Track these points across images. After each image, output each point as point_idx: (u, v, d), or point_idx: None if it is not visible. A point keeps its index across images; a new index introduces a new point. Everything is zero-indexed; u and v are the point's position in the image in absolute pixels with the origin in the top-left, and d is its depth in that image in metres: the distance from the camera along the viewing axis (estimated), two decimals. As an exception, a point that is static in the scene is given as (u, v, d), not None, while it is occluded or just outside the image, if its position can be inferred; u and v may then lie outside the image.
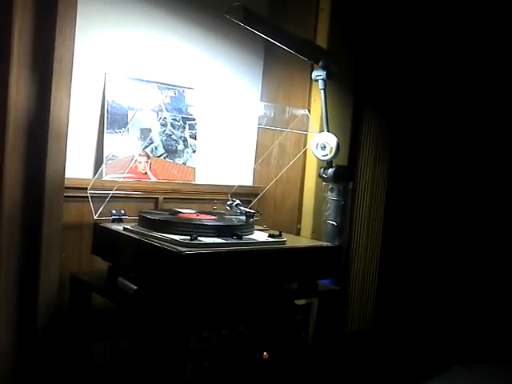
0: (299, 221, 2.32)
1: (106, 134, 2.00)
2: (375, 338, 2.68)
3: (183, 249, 1.44)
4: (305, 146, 2.25)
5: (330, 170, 2.06)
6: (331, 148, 2.02)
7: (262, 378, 1.68)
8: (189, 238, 1.51)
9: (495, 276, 3.61)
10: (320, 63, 1.99)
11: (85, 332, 1.81)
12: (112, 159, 1.99)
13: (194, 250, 1.44)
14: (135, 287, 1.54)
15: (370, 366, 2.67)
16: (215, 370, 1.53)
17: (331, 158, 2.03)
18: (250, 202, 2.35)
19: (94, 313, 1.85)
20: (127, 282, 1.58)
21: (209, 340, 1.51)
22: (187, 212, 1.87)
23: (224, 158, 2.40)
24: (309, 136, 2.19)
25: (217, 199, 2.27)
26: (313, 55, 2.02)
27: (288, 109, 2.09)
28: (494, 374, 3.25)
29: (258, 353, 1.63)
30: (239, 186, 2.34)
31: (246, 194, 2.37)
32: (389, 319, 2.83)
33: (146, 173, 2.09)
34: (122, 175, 1.97)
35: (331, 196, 2.09)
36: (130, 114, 2.06)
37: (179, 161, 2.19)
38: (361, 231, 2.41)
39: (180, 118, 2.20)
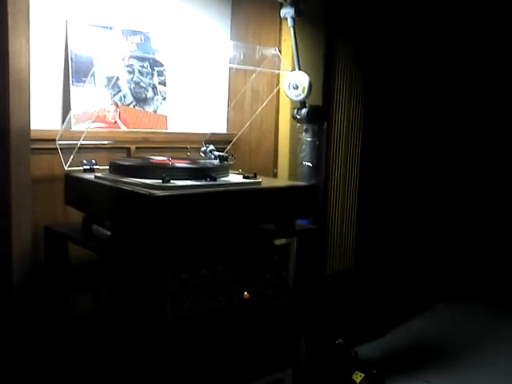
0: (275, 165, 2.30)
1: (71, 84, 1.93)
2: (357, 278, 2.71)
3: (156, 191, 1.41)
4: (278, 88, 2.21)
5: (304, 111, 2.04)
6: (303, 87, 1.98)
7: (244, 318, 1.69)
8: (161, 181, 1.48)
9: (477, 215, 3.67)
10: (288, 0, 1.94)
11: (63, 284, 1.79)
12: (80, 109, 1.94)
13: (167, 193, 1.42)
14: (109, 233, 1.51)
15: (353, 306, 2.71)
16: (196, 310, 1.53)
17: (304, 97, 2.00)
18: (225, 149, 2.32)
19: (73, 266, 1.83)
20: (102, 229, 1.56)
21: (187, 281, 1.50)
22: (160, 159, 1.83)
23: (196, 104, 2.35)
24: (281, 77, 2.14)
25: (190, 147, 2.24)
26: (280, -9, 1.96)
27: (258, 48, 2.03)
28: (477, 311, 3.35)
29: (238, 292, 1.64)
30: (213, 133, 2.30)
31: (220, 142, 2.32)
32: (370, 259, 2.87)
33: (115, 122, 2.04)
34: (90, 124, 1.92)
35: (306, 137, 2.08)
36: (96, 62, 1.99)
37: (149, 109, 2.14)
38: (338, 171, 2.39)
39: (148, 65, 2.14)
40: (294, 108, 2.05)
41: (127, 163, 1.64)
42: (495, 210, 3.77)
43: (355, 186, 2.48)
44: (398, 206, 3.06)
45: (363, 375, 2.20)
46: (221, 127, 2.44)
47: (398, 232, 3.11)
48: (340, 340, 2.35)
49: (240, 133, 2.27)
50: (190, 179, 1.57)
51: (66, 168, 1.76)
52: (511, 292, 3.60)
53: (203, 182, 1.56)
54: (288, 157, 2.25)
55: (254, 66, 2.06)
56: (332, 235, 2.44)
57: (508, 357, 2.73)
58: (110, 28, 2.04)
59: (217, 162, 1.84)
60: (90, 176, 1.68)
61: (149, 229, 1.42)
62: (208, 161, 1.87)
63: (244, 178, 1.73)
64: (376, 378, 2.24)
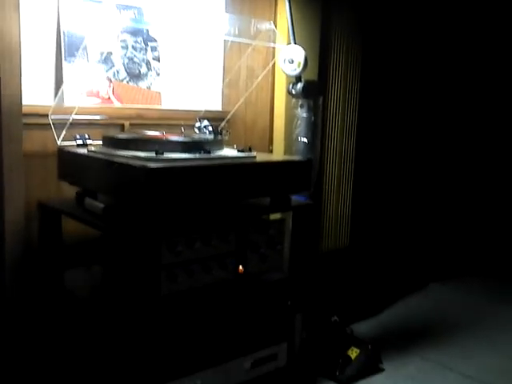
0: (271, 142, 2.29)
1: (64, 59, 1.90)
2: (352, 256, 2.71)
3: (150, 163, 1.40)
4: (273, 65, 2.18)
5: (299, 86, 2.02)
6: (299, 62, 1.97)
7: (238, 292, 1.68)
8: (154, 153, 1.47)
9: (471, 194, 3.67)
10: (283, -29, 1.91)
11: (57, 259, 1.78)
12: (72, 84, 1.91)
13: (160, 165, 1.41)
14: (103, 205, 1.50)
15: (348, 284, 2.72)
16: (190, 284, 1.53)
17: (300, 72, 1.98)
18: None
19: (66, 242, 1.82)
20: (95, 202, 1.55)
21: (182, 254, 1.49)
22: (154, 133, 1.82)
23: (191, 81, 2.32)
24: (276, 52, 2.12)
25: (185, 124, 2.21)
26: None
27: (253, 22, 2.00)
28: (472, 289, 3.37)
29: (233, 266, 1.63)
30: (207, 110, 2.27)
31: (215, 119, 2.30)
32: (366, 237, 2.86)
33: (109, 98, 2.02)
34: (83, 99, 1.90)
35: (301, 112, 2.06)
36: (89, 36, 1.96)
37: (143, 85, 2.11)
38: (334, 147, 2.38)
39: (141, 40, 2.11)
40: (290, 83, 2.03)
41: (120, 136, 1.62)
42: (488, 189, 3.78)
43: (351, 162, 2.47)
44: (393, 184, 3.05)
45: (358, 351, 2.21)
46: (216, 104, 2.41)
47: (394, 210, 3.10)
48: (335, 317, 2.35)
49: (235, 109, 2.25)
50: (185, 152, 1.56)
51: (58, 143, 1.74)
52: (507, 270, 3.62)
53: (197, 155, 1.55)
54: (283, 134, 2.24)
55: (249, 39, 2.03)
56: (327, 213, 2.43)
57: (504, 334, 2.74)
58: (102, 2, 2.00)
59: (211, 136, 1.82)
60: (83, 150, 1.67)
61: (142, 201, 1.41)
62: (203, 136, 1.85)
63: (239, 151, 1.71)
64: (371, 354, 2.25)
